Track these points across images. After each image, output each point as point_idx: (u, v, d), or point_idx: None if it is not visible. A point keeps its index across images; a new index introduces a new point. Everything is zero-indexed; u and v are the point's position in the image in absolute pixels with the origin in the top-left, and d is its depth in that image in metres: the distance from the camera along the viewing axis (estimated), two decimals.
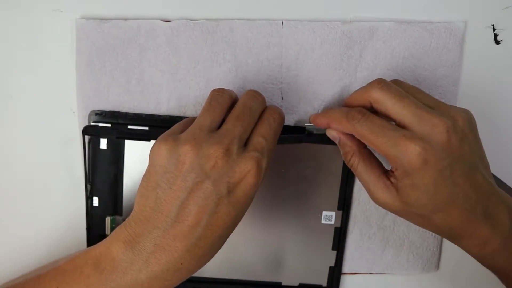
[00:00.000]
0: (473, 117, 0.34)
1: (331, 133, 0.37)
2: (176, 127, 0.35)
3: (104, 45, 0.39)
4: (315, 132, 0.39)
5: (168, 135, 0.33)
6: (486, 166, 0.34)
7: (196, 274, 0.42)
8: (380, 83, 0.34)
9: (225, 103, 0.35)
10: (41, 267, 0.38)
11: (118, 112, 0.40)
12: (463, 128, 0.32)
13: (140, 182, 0.33)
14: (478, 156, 0.33)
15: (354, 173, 0.36)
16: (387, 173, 0.35)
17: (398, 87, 0.34)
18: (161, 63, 0.39)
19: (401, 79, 0.40)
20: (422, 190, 0.32)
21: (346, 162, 0.37)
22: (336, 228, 0.43)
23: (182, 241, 0.31)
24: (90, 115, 0.40)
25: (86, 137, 0.40)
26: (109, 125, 0.40)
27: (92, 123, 0.40)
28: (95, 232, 0.42)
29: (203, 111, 0.34)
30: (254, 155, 0.32)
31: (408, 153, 0.31)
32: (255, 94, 0.35)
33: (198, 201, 0.31)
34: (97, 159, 0.40)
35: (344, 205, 0.42)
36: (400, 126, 0.33)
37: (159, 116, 0.40)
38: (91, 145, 0.40)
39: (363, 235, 0.44)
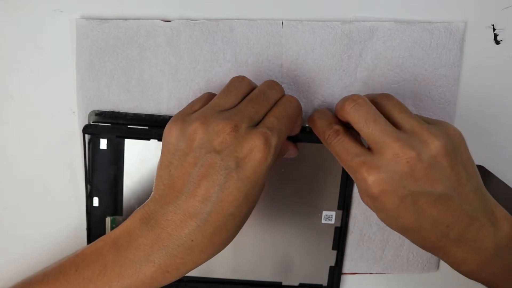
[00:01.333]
0: (458, 138, 0.32)
1: None
2: (189, 106, 0.35)
3: (104, 45, 0.39)
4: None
5: (179, 115, 0.34)
6: (471, 188, 0.32)
7: (196, 274, 0.42)
8: (351, 103, 0.33)
9: (241, 88, 0.35)
10: (64, 257, 0.37)
11: (118, 113, 0.40)
12: (434, 155, 0.31)
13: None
14: (454, 181, 0.32)
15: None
16: None
17: (370, 107, 0.33)
18: (161, 63, 0.39)
19: (401, 79, 0.41)
20: (386, 214, 0.33)
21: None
22: (336, 228, 0.43)
23: (192, 216, 0.31)
24: (90, 115, 0.40)
25: (86, 137, 0.40)
26: (109, 125, 0.40)
27: (92, 123, 0.40)
28: (95, 232, 0.42)
29: (219, 94, 0.34)
30: (263, 131, 0.32)
31: (364, 181, 0.31)
32: (272, 83, 0.35)
33: (208, 176, 0.31)
34: (97, 159, 0.40)
35: (344, 205, 0.42)
36: (370, 148, 0.33)
37: (159, 116, 0.40)
38: (91, 145, 0.40)
39: (363, 235, 0.44)
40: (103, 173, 0.41)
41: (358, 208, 0.43)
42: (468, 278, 0.35)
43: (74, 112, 0.41)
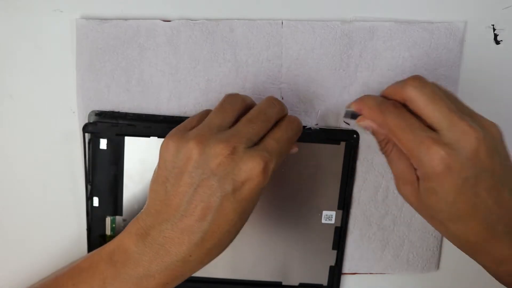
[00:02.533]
0: (502, 134, 0.33)
1: (364, 123, 0.35)
2: (187, 122, 0.35)
3: (104, 45, 0.39)
4: (348, 120, 0.38)
5: (177, 131, 0.34)
6: None
7: (196, 274, 0.42)
8: (415, 80, 0.32)
9: (236, 105, 0.34)
10: (60, 269, 0.39)
11: (118, 112, 0.40)
12: (495, 141, 0.31)
13: (151, 177, 0.34)
14: (508, 172, 0.32)
15: (387, 161, 0.36)
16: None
17: (436, 86, 0.33)
18: (161, 63, 0.40)
19: (401, 79, 0.40)
20: (440, 196, 0.31)
21: (380, 149, 0.36)
22: (336, 228, 0.43)
23: (189, 235, 0.32)
24: (90, 115, 0.40)
25: (86, 137, 0.40)
26: (109, 123, 0.40)
27: (92, 122, 0.40)
28: (95, 233, 0.42)
29: (214, 111, 0.34)
30: (263, 154, 0.32)
31: (431, 155, 0.30)
32: (273, 101, 0.35)
33: (204, 197, 0.31)
34: (97, 160, 0.40)
35: (344, 205, 0.42)
36: (431, 128, 0.31)
37: (159, 116, 0.40)
38: (91, 145, 0.40)
39: (363, 235, 0.44)
40: (103, 173, 0.40)
41: (358, 208, 0.43)
42: (505, 282, 0.34)
43: (74, 112, 0.41)
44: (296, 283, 0.44)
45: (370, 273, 0.45)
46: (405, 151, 0.32)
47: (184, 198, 0.32)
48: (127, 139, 0.40)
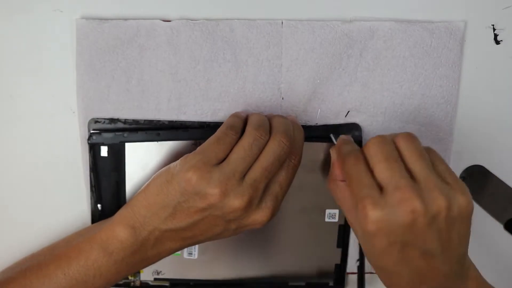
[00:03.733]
0: (465, 208, 0.32)
1: (332, 156, 0.38)
2: (213, 148, 0.35)
3: (104, 45, 0.39)
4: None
5: (203, 165, 0.34)
6: (457, 254, 0.33)
7: (202, 277, 0.43)
8: (378, 138, 0.34)
9: (261, 149, 0.36)
10: (36, 253, 0.40)
11: (118, 119, 0.40)
12: (437, 215, 0.31)
13: (161, 174, 0.36)
14: (445, 244, 0.32)
15: (333, 192, 0.37)
16: None
17: (394, 148, 0.33)
18: (161, 63, 0.39)
19: (402, 79, 0.41)
20: (368, 247, 0.33)
21: (330, 178, 0.37)
22: (340, 226, 0.42)
23: (185, 240, 0.37)
24: (89, 123, 0.40)
25: (88, 145, 0.40)
26: (112, 134, 0.40)
27: (93, 131, 0.40)
28: None
29: (244, 154, 0.35)
30: (272, 206, 0.36)
31: (366, 215, 0.31)
32: (283, 140, 0.36)
33: (208, 226, 0.36)
34: (99, 167, 0.40)
35: None
36: (381, 186, 0.32)
37: (158, 121, 0.40)
38: (92, 153, 0.40)
39: None
40: (105, 180, 0.40)
41: None
42: None
43: (74, 112, 0.41)
44: (302, 283, 0.44)
45: (371, 273, 0.45)
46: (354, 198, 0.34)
47: (190, 220, 0.35)
48: (128, 145, 0.40)
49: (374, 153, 0.33)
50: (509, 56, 0.41)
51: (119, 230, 0.36)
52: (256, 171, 0.35)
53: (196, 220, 0.35)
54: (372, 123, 0.41)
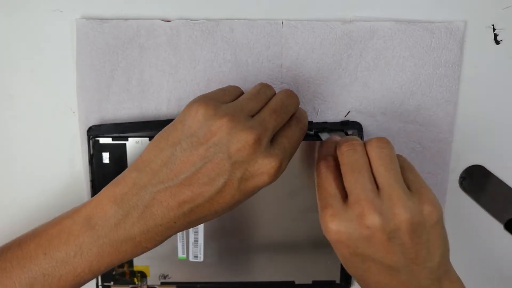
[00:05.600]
0: (432, 217, 0.32)
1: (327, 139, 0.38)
2: (219, 94, 0.34)
3: (104, 45, 0.39)
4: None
5: (210, 100, 0.32)
6: (427, 267, 0.32)
7: (208, 279, 0.43)
8: (348, 146, 0.34)
9: (268, 98, 0.34)
10: (20, 237, 0.35)
11: (118, 124, 0.40)
12: (397, 229, 0.31)
13: (158, 134, 0.33)
14: (410, 258, 0.32)
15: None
16: None
17: (362, 157, 0.33)
18: (161, 63, 0.39)
19: (401, 79, 0.41)
20: (336, 253, 0.34)
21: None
22: None
23: (181, 204, 0.32)
24: (88, 131, 0.40)
25: (89, 155, 0.40)
26: (110, 139, 0.40)
27: (96, 138, 0.40)
28: None
29: (250, 96, 0.34)
30: (280, 155, 0.32)
31: (325, 224, 0.32)
32: (292, 94, 0.35)
33: (211, 174, 0.31)
34: (101, 174, 0.40)
35: None
36: (346, 196, 0.33)
37: (158, 121, 0.40)
38: (93, 160, 0.40)
39: None
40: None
41: None
42: None
43: (74, 112, 0.41)
44: (309, 281, 0.44)
45: None
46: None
47: (191, 168, 0.31)
48: (129, 149, 0.40)
49: (342, 161, 0.34)
50: (509, 56, 0.41)
51: (104, 200, 0.32)
52: (265, 112, 0.33)
53: (197, 168, 0.31)
54: (372, 123, 0.41)
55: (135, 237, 0.32)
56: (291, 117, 0.35)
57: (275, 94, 0.35)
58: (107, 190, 0.33)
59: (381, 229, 0.31)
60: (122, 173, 0.33)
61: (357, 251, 0.32)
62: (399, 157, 0.34)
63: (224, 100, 0.33)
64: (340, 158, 0.34)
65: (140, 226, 0.32)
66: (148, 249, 0.33)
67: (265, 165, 0.31)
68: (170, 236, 0.33)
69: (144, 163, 0.32)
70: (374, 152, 0.33)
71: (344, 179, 0.33)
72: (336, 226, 0.31)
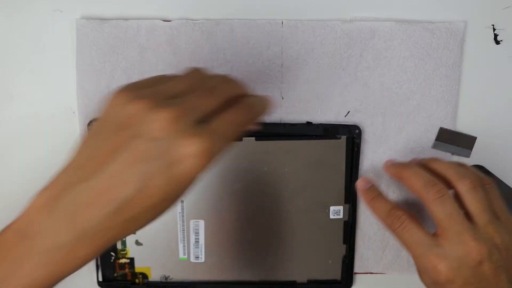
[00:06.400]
0: None
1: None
2: (144, 81, 0.31)
3: (104, 45, 0.39)
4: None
5: (131, 85, 0.30)
6: None
7: (209, 278, 0.42)
8: (437, 195, 0.35)
9: (197, 81, 0.31)
10: None
11: None
12: (501, 254, 0.33)
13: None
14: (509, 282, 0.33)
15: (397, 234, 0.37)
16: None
17: (454, 204, 0.34)
18: (161, 63, 0.39)
19: (402, 79, 0.41)
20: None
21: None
22: (345, 222, 0.42)
23: (109, 201, 0.28)
24: (88, 124, 0.40)
25: None
26: None
27: None
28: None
29: (175, 79, 0.31)
30: (207, 135, 0.28)
31: (435, 269, 0.33)
32: (227, 78, 0.32)
33: (134, 163, 0.28)
34: None
35: (351, 199, 0.42)
36: (437, 232, 0.35)
37: None
38: None
39: (364, 235, 0.44)
40: None
41: (359, 207, 0.43)
42: None
43: (74, 112, 0.41)
44: (310, 281, 0.44)
45: (371, 273, 0.45)
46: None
47: (114, 156, 0.28)
48: None
49: (439, 212, 0.35)
50: (509, 56, 0.41)
51: (33, 207, 0.29)
52: (190, 92, 0.30)
53: (119, 156, 0.28)
54: (372, 123, 0.41)
55: (71, 243, 0.29)
56: (238, 102, 0.31)
57: (209, 77, 0.32)
58: (37, 196, 0.30)
59: (489, 259, 0.33)
60: (54, 174, 0.30)
61: (469, 282, 0.33)
62: (484, 182, 0.36)
63: (148, 86, 0.30)
64: (432, 208, 0.35)
65: (66, 233, 0.29)
66: (89, 256, 0.30)
67: (189, 146, 0.27)
68: (111, 241, 0.30)
69: (73, 160, 0.30)
70: (467, 196, 0.35)
71: (439, 221, 0.35)
72: (448, 265, 0.33)
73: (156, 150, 0.28)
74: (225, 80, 0.31)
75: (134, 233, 0.32)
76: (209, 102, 0.29)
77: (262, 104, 0.32)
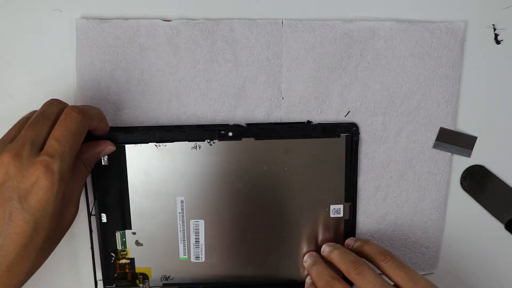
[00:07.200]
0: None
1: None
2: (6, 133, 0.35)
3: (104, 45, 0.39)
4: None
5: None
6: None
7: (211, 280, 0.43)
8: (356, 272, 0.37)
9: (27, 118, 0.34)
10: None
11: (115, 128, 0.40)
12: None
13: None
14: None
15: None
16: None
17: (375, 276, 0.36)
18: (161, 62, 0.39)
19: (402, 78, 0.41)
20: None
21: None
22: (346, 220, 0.42)
23: None
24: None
25: None
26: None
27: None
28: (107, 248, 0.42)
29: (26, 126, 0.34)
30: (44, 159, 0.32)
31: None
32: (52, 101, 0.35)
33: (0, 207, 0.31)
34: (101, 176, 0.40)
35: (351, 197, 0.42)
36: None
37: (156, 127, 0.40)
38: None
39: (364, 235, 0.44)
40: (108, 189, 0.40)
41: (358, 208, 0.43)
42: None
43: None
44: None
45: None
46: None
47: None
48: (128, 151, 0.40)
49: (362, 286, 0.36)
50: (509, 56, 0.41)
51: None
52: (23, 130, 0.33)
53: None
54: (372, 123, 0.41)
55: None
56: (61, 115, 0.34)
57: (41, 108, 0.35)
58: None
59: None
60: None
61: None
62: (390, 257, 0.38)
63: (8, 140, 0.34)
64: (356, 283, 0.37)
65: None
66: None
67: (33, 174, 0.31)
68: (26, 269, 0.33)
69: None
70: (377, 262, 0.38)
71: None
72: None
73: (6, 193, 0.31)
74: (49, 104, 0.35)
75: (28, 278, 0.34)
76: (40, 129, 0.33)
77: (79, 110, 0.34)
